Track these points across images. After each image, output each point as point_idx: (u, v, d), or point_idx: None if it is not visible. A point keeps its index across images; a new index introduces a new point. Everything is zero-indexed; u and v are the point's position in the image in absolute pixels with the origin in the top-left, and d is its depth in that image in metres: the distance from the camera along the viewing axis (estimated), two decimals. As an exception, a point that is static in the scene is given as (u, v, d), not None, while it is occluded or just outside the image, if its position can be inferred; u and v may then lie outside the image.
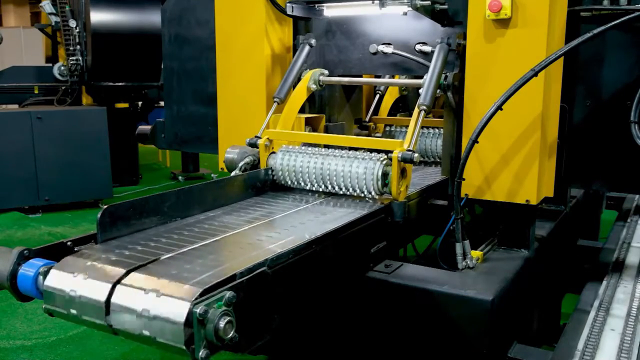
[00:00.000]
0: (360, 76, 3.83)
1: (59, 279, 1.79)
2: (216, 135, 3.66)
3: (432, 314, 2.46)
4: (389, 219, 2.64)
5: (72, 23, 8.79)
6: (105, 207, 2.07)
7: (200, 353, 1.51)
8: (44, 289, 1.80)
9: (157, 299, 1.59)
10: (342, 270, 2.39)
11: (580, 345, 2.34)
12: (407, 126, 3.41)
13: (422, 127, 3.05)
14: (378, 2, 3.07)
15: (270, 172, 2.95)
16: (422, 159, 3.84)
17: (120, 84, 8.91)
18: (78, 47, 8.82)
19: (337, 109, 3.76)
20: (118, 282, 1.70)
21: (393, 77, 3.98)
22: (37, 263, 1.86)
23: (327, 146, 3.05)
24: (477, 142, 2.61)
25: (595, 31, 2.51)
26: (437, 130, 3.81)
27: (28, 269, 1.84)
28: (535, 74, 2.51)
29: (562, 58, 2.63)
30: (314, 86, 3.31)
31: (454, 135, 2.99)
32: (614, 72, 2.73)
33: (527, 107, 2.67)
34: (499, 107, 2.56)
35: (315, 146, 3.02)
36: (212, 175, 9.93)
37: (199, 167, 10.62)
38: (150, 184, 9.71)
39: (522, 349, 2.61)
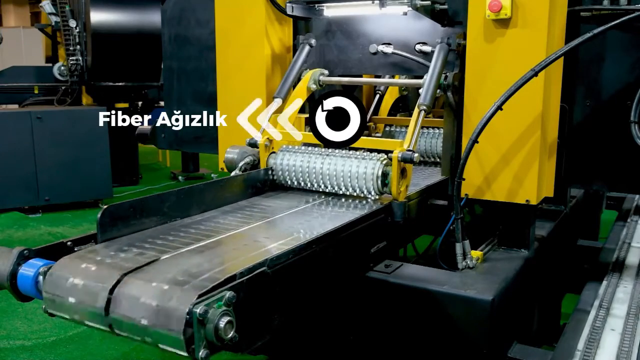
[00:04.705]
0: (360, 76, 3.83)
1: (62, 270, 1.79)
2: (216, 135, 3.66)
3: (432, 314, 2.46)
4: (389, 219, 2.64)
5: (72, 23, 8.78)
6: (105, 207, 2.07)
7: (200, 353, 1.51)
8: (45, 279, 1.80)
9: (157, 299, 1.59)
10: (342, 270, 2.39)
11: (580, 345, 2.34)
12: (407, 126, 3.41)
13: (422, 127, 3.05)
14: (378, 2, 3.07)
15: (270, 172, 2.95)
16: (422, 159, 3.84)
17: (120, 84, 8.89)
18: (78, 47, 8.81)
19: (337, 109, 3.75)
20: (118, 281, 1.69)
21: (393, 77, 3.97)
22: (37, 263, 1.86)
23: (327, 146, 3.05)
24: (477, 142, 2.61)
25: (595, 31, 2.52)
26: (437, 130, 3.80)
27: (28, 269, 1.84)
28: (535, 74, 2.51)
29: (562, 58, 2.63)
30: (314, 86, 3.31)
31: (454, 135, 2.99)
32: (614, 72, 2.73)
33: (527, 107, 2.67)
34: (499, 107, 2.56)
35: (315, 146, 3.02)
36: (212, 175, 9.91)
37: (199, 167, 10.60)
38: (150, 184, 9.70)
39: (522, 349, 2.61)
